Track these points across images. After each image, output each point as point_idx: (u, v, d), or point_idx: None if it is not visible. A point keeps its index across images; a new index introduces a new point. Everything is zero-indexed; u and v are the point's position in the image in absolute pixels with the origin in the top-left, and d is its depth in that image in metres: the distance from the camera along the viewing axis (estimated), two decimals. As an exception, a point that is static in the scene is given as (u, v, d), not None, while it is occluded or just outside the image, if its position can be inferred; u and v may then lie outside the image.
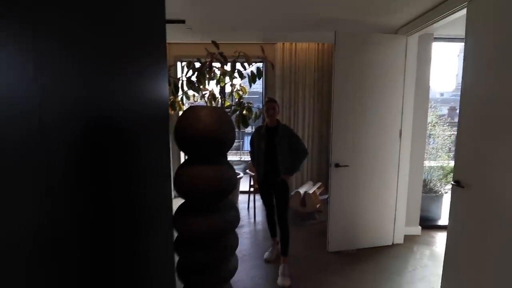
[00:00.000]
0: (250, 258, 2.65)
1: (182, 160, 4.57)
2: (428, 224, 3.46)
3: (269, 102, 2.38)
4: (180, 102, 3.63)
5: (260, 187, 2.50)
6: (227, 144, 1.09)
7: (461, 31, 3.11)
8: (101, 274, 0.85)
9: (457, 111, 2.00)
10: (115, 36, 0.98)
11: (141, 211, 1.19)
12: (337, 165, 2.62)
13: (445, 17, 2.34)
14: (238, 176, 4.09)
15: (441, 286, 2.01)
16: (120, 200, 0.98)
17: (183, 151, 1.09)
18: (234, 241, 1.17)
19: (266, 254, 2.63)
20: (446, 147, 3.90)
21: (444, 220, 3.61)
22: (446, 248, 2.06)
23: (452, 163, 3.86)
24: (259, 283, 2.27)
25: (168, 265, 1.51)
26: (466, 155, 1.84)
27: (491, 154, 1.62)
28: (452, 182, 2.02)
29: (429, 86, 3.03)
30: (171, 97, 3.55)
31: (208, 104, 3.88)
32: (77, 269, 0.75)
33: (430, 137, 3.96)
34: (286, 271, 2.29)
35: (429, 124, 3.74)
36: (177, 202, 1.16)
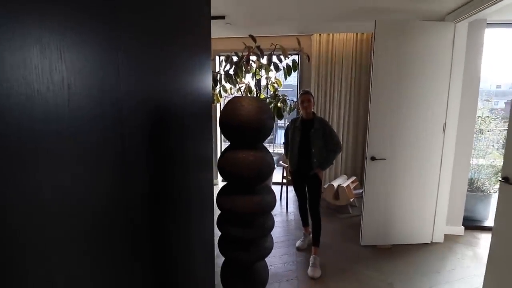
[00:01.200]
0: (282, 245, 2.76)
1: (219, 148, 4.80)
2: (473, 224, 3.25)
3: (304, 94, 2.42)
4: (218, 95, 3.80)
5: (294, 178, 2.57)
6: (266, 132, 1.18)
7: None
8: (157, 245, 1.01)
9: None
10: (171, 35, 1.12)
11: (188, 193, 1.35)
12: (373, 158, 2.59)
13: (497, 2, 2.15)
14: (271, 167, 4.19)
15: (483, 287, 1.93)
16: (171, 183, 1.14)
17: (227, 137, 1.20)
18: (270, 221, 1.27)
19: (298, 243, 2.72)
20: (498, 143, 3.58)
21: (491, 221, 3.36)
22: (490, 248, 1.95)
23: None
24: (291, 269, 2.37)
25: (209, 241, 1.67)
26: None
27: None
28: (500, 179, 1.90)
29: (479, 77, 2.81)
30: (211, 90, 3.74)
31: (244, 97, 4.01)
32: (143, 234, 0.90)
33: (480, 132, 3.66)
34: (317, 262, 2.35)
35: (479, 118, 3.46)
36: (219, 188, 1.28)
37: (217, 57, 4.39)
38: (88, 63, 0.64)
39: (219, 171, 1.21)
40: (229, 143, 1.24)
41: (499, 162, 3.40)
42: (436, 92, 2.58)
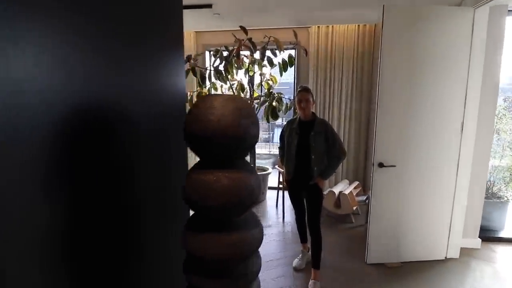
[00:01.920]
0: (278, 263, 2.42)
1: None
2: (488, 235, 2.93)
3: (302, 92, 2.07)
4: (208, 93, 3.45)
5: (290, 187, 2.24)
6: (247, 143, 0.84)
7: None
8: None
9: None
10: (126, 27, 0.84)
11: (149, 200, 1.08)
12: (381, 165, 2.26)
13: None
14: (266, 172, 3.86)
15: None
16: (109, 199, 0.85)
17: (194, 152, 0.86)
18: (255, 266, 0.93)
19: (295, 262, 2.38)
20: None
21: (507, 231, 3.05)
22: None
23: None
24: (287, 295, 2.04)
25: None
26: None
27: None
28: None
29: (499, 71, 2.49)
30: (198, 88, 3.39)
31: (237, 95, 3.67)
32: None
33: (496, 132, 3.34)
34: (318, 288, 2.02)
35: (500, 119, 3.14)
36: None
37: (207, 53, 4.04)
38: (38, 62, 0.60)
39: (183, 199, 0.87)
40: (199, 159, 0.90)
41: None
42: (452, 87, 2.25)
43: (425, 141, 2.28)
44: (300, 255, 2.42)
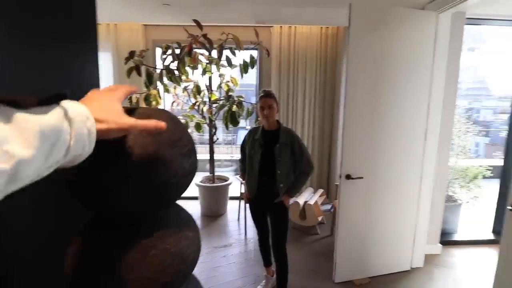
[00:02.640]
0: (239, 292, 2.12)
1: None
2: (446, 239, 2.98)
3: (264, 97, 1.79)
4: (158, 96, 3.03)
5: (252, 206, 1.95)
6: (172, 187, 0.52)
7: (496, 11, 2.58)
8: None
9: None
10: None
11: None
12: (348, 177, 2.09)
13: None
14: (227, 183, 3.54)
15: None
16: None
17: (82, 203, 0.52)
18: None
19: (259, 288, 2.10)
20: (465, 148, 3.39)
21: (461, 234, 3.14)
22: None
23: (476, 164, 3.37)
24: (250, 333, 1.75)
25: None
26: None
27: None
28: (509, 207, 1.51)
29: (458, 76, 2.50)
30: (145, 90, 2.95)
31: (192, 99, 3.29)
32: None
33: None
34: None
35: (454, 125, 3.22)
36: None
37: (158, 49, 3.59)
38: None
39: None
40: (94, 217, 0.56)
41: (472, 169, 3.19)
42: (417, 93, 2.17)
43: (391, 151, 2.17)
44: (264, 281, 2.14)
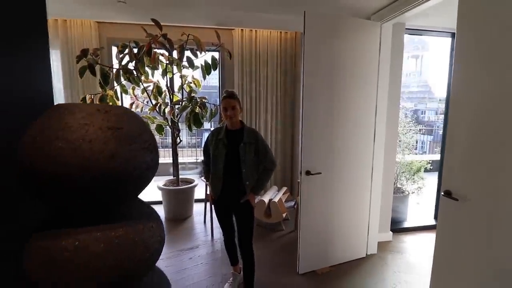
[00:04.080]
0: (206, 292, 2.12)
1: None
2: (397, 227, 3.30)
3: (227, 98, 1.83)
4: (115, 97, 2.89)
5: (217, 206, 1.97)
6: (134, 179, 0.54)
7: (433, 23, 2.94)
8: None
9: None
10: None
11: None
12: (308, 173, 2.21)
13: (420, 4, 2.05)
14: (192, 185, 3.49)
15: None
16: None
17: (42, 201, 0.51)
18: None
19: (226, 286, 2.12)
20: (410, 145, 3.78)
21: (410, 221, 3.50)
22: (434, 261, 1.78)
23: (418, 159, 3.77)
24: (218, 331, 1.76)
25: None
26: (459, 163, 1.54)
27: (484, 163, 1.33)
28: (442, 193, 1.74)
29: (401, 80, 2.80)
30: (101, 91, 2.80)
31: (153, 100, 3.19)
32: None
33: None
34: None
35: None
36: None
37: (114, 48, 3.42)
38: None
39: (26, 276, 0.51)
40: (55, 212, 0.55)
41: (415, 163, 3.57)
42: (366, 95, 2.39)
43: (346, 146, 2.36)
44: (231, 279, 2.17)
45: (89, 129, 0.48)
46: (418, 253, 2.77)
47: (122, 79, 2.84)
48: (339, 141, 2.32)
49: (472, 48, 1.38)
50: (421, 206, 3.97)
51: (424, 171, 3.61)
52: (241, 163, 1.80)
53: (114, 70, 2.83)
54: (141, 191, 0.59)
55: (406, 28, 2.77)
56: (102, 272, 0.49)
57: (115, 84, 2.92)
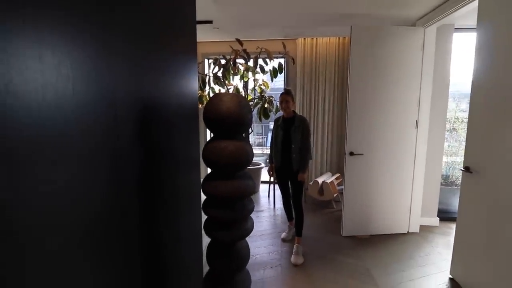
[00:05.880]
0: (269, 237, 2.90)
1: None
2: (447, 216, 3.47)
3: (283, 94, 2.57)
4: (207, 97, 3.95)
5: (278, 174, 2.72)
6: (245, 124, 1.33)
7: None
8: (150, 237, 1.13)
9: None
10: (158, 39, 1.26)
11: (176, 187, 1.44)
12: (351, 154, 2.77)
13: (461, 7, 2.37)
14: (259, 166, 4.34)
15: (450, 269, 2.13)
16: (160, 180, 1.23)
17: (210, 129, 1.35)
18: (250, 205, 1.41)
19: (283, 234, 2.87)
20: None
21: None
22: (456, 233, 2.16)
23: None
24: (275, 258, 2.51)
25: (198, 230, 1.80)
26: (476, 143, 1.93)
27: (502, 141, 1.72)
28: (462, 168, 2.11)
29: (449, 79, 3.05)
30: (199, 92, 3.88)
31: (232, 98, 4.16)
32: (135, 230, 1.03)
33: (455, 131, 3.92)
34: (300, 251, 2.51)
35: (452, 118, 3.71)
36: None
37: (206, 60, 4.54)
38: (88, 67, 0.70)
39: (203, 160, 1.35)
40: (213, 135, 1.39)
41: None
42: (408, 92, 2.79)
43: (387, 134, 2.81)
44: (287, 230, 2.90)
45: (231, 101, 1.29)
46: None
47: (212, 83, 3.87)
48: (381, 128, 2.79)
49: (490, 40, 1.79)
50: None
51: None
52: (291, 140, 2.51)
53: (207, 77, 3.87)
54: (245, 131, 1.38)
55: (457, 28, 3.00)
56: (232, 156, 1.29)
57: (207, 87, 3.97)
